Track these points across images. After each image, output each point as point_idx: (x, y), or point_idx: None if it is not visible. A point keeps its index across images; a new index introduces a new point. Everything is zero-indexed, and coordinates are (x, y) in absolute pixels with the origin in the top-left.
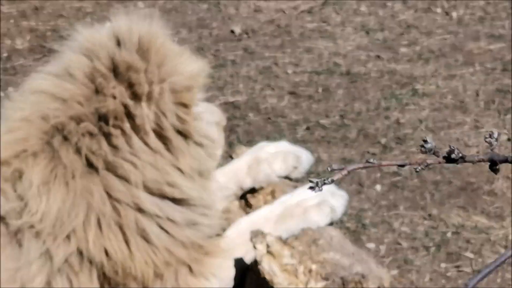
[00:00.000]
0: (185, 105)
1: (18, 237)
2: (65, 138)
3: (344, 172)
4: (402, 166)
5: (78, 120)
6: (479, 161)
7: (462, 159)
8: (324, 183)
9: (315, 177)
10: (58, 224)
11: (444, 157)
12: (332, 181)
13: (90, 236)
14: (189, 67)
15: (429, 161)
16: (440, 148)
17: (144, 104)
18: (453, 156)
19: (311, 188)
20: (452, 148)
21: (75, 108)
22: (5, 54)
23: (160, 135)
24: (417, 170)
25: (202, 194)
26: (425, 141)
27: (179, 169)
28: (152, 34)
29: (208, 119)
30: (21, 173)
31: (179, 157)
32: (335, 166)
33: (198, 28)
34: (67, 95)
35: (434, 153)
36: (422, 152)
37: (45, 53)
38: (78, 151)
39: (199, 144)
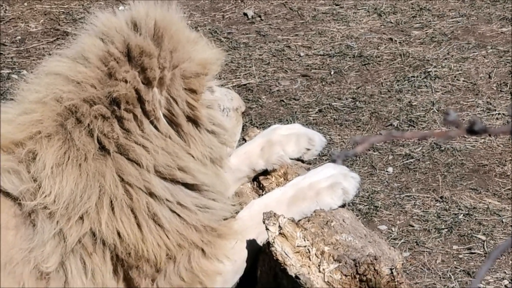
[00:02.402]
0: (194, 92)
1: (31, 218)
2: (78, 120)
3: (366, 144)
4: (424, 139)
5: (91, 102)
6: (501, 133)
7: (484, 131)
8: (346, 155)
9: (327, 160)
10: (71, 206)
11: (466, 129)
12: (355, 154)
13: (103, 218)
14: (201, 54)
15: (451, 134)
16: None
17: (156, 89)
18: (475, 128)
19: (333, 160)
20: (473, 119)
21: (89, 91)
22: (19, 37)
23: (172, 121)
24: (439, 144)
25: (214, 180)
26: (447, 113)
27: (191, 155)
28: (167, 20)
29: (226, 105)
30: (35, 154)
31: (191, 143)
32: (357, 139)
33: (211, 11)
34: (81, 77)
35: (456, 126)
36: (445, 125)
37: (58, 36)
38: (90, 133)
39: (211, 132)
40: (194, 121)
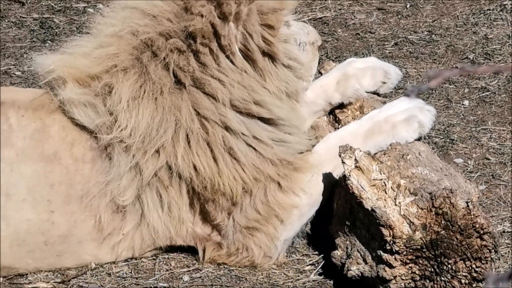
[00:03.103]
0: (271, 27)
1: (108, 151)
2: (154, 54)
3: (440, 79)
4: (498, 73)
5: (167, 36)
6: None
7: None
8: (420, 90)
9: (403, 94)
10: (147, 139)
11: None
12: (428, 88)
13: (179, 151)
14: None
15: None
16: None
17: (232, 24)
18: None
19: (406, 95)
20: None
21: (165, 25)
22: None
23: (247, 56)
24: None
25: (290, 114)
26: None
27: (267, 90)
28: None
29: (303, 39)
30: (111, 88)
31: (266, 78)
32: (431, 73)
33: None
34: (157, 11)
35: None
36: None
37: None
38: (166, 66)
39: (287, 66)
40: (270, 55)
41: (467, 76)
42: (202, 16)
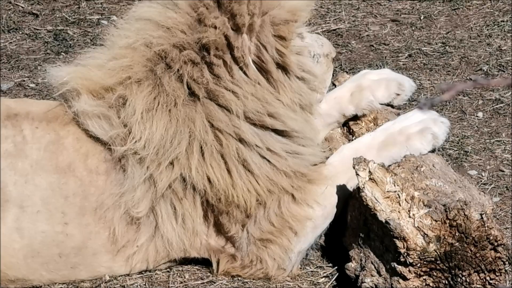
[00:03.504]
0: (283, 38)
1: (122, 163)
2: (168, 66)
3: (453, 92)
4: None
5: (181, 48)
6: None
7: None
8: (433, 103)
9: (417, 105)
10: (161, 151)
11: None
12: (441, 101)
13: (193, 163)
14: (291, 1)
15: None
16: None
17: (245, 35)
18: None
19: (419, 108)
20: None
21: (178, 36)
22: None
23: (261, 68)
24: None
25: (304, 126)
26: None
27: (281, 102)
28: None
29: (317, 51)
30: (125, 99)
31: (280, 90)
32: (443, 86)
33: None
34: (170, 23)
35: None
36: None
37: None
38: (180, 78)
39: (301, 78)
40: (283, 67)
41: (481, 88)
42: (215, 28)
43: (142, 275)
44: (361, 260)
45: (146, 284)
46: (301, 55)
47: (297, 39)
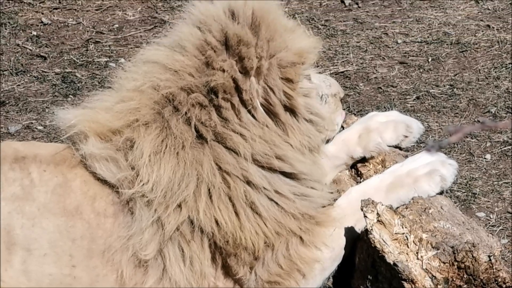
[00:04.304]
0: (290, 81)
1: (130, 206)
2: (176, 109)
3: (460, 134)
4: None
5: (189, 91)
6: None
7: None
8: (441, 145)
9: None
10: (169, 194)
11: None
12: (449, 143)
13: (201, 206)
14: (298, 43)
15: None
16: None
17: (253, 78)
18: None
19: (427, 150)
20: None
21: (186, 79)
22: (116, 25)
23: (269, 110)
24: None
25: (312, 168)
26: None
27: (289, 144)
28: (265, 8)
29: (325, 91)
30: (133, 142)
31: (289, 132)
32: (451, 129)
33: None
34: (178, 66)
35: None
36: None
37: (156, 24)
38: (188, 121)
39: (309, 121)
40: (291, 110)
41: (488, 130)
42: (223, 71)
43: None
44: None
45: None
46: (309, 97)
47: (305, 81)
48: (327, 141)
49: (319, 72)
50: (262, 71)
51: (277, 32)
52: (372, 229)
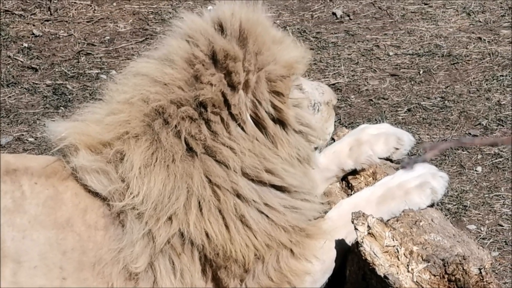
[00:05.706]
0: (279, 94)
1: (120, 218)
2: (166, 121)
3: (435, 151)
4: (495, 145)
5: (179, 104)
6: None
7: None
8: (416, 162)
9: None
10: (159, 206)
11: None
12: (424, 160)
13: (191, 219)
14: (286, 55)
15: None
16: None
17: (241, 92)
18: None
19: (402, 167)
20: None
21: (176, 93)
22: (107, 37)
23: (258, 123)
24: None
25: (302, 180)
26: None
27: (279, 157)
28: (253, 20)
29: (317, 99)
30: (123, 155)
31: (278, 145)
32: (427, 145)
33: (299, 11)
34: (167, 79)
35: None
36: None
37: (147, 36)
38: (178, 134)
39: (298, 132)
40: (281, 122)
41: (464, 147)
42: (212, 85)
43: None
44: None
45: None
46: (300, 108)
47: (295, 91)
48: (318, 150)
49: (313, 79)
50: (250, 85)
51: (265, 45)
52: (363, 242)
